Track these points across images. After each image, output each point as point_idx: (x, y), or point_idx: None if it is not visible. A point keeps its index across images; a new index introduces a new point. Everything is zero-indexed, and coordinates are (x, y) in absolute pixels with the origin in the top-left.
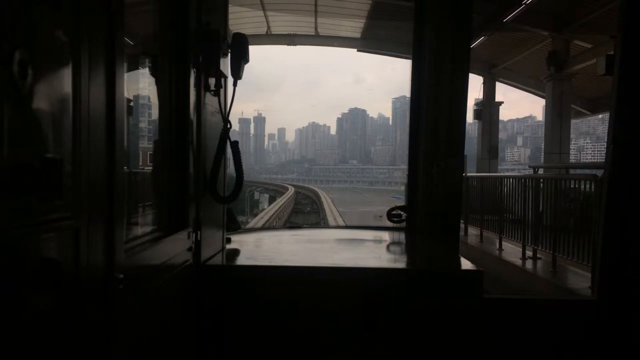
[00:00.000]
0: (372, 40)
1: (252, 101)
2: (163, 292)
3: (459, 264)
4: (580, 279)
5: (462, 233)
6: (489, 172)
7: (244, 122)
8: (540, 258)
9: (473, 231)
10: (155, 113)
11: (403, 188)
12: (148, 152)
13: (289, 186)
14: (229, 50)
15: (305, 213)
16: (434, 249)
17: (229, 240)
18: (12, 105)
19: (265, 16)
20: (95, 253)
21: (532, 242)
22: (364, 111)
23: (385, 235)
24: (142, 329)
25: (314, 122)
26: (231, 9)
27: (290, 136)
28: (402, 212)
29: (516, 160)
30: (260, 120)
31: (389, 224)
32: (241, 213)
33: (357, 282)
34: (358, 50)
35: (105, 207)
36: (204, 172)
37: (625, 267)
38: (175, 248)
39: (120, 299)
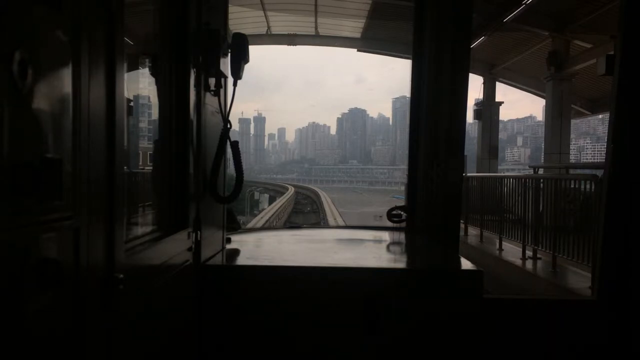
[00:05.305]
0: (372, 40)
1: (252, 101)
2: (163, 292)
3: (459, 264)
4: (580, 279)
5: (462, 233)
6: (489, 172)
7: (244, 122)
8: (540, 258)
9: (473, 231)
10: (155, 113)
11: (403, 188)
12: (148, 152)
13: (289, 186)
14: (229, 50)
15: (305, 213)
16: (434, 249)
17: (229, 240)
18: (12, 105)
19: (265, 16)
20: (95, 253)
21: (532, 242)
22: (364, 111)
23: (385, 235)
24: (142, 329)
25: (314, 122)
26: (231, 9)
27: (290, 136)
28: (402, 212)
29: (516, 160)
30: (260, 120)
31: (389, 224)
32: (241, 213)
33: (357, 282)
34: (358, 50)
35: (105, 207)
36: (204, 172)
37: (625, 267)
38: (175, 248)
39: (120, 299)
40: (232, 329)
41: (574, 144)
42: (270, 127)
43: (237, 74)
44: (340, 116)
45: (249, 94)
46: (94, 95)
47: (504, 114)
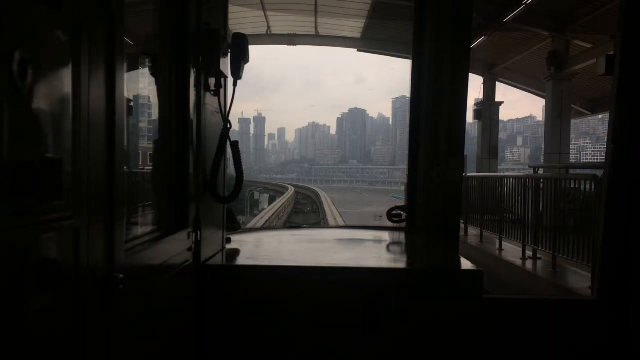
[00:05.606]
0: (372, 40)
1: (252, 101)
2: (163, 292)
3: (459, 264)
4: (580, 279)
5: (462, 233)
6: (489, 172)
7: (244, 122)
8: (540, 258)
9: (473, 231)
10: (155, 113)
11: (403, 188)
12: (148, 152)
13: (289, 186)
14: (229, 50)
15: (305, 213)
16: (434, 249)
17: (229, 240)
18: (12, 105)
19: (265, 16)
20: (95, 253)
21: (532, 242)
22: (364, 111)
23: (385, 235)
24: (142, 329)
25: (314, 122)
26: (231, 9)
27: (290, 136)
28: (402, 212)
29: (516, 160)
30: (260, 120)
31: (389, 224)
32: (241, 213)
33: (357, 282)
34: (358, 50)
35: (105, 207)
36: (204, 172)
37: (625, 267)
38: (175, 248)
39: (120, 299)
40: (232, 329)
41: (574, 144)
42: (270, 127)
43: (237, 74)
44: (340, 116)
45: (249, 94)
46: (94, 95)
47: (504, 114)
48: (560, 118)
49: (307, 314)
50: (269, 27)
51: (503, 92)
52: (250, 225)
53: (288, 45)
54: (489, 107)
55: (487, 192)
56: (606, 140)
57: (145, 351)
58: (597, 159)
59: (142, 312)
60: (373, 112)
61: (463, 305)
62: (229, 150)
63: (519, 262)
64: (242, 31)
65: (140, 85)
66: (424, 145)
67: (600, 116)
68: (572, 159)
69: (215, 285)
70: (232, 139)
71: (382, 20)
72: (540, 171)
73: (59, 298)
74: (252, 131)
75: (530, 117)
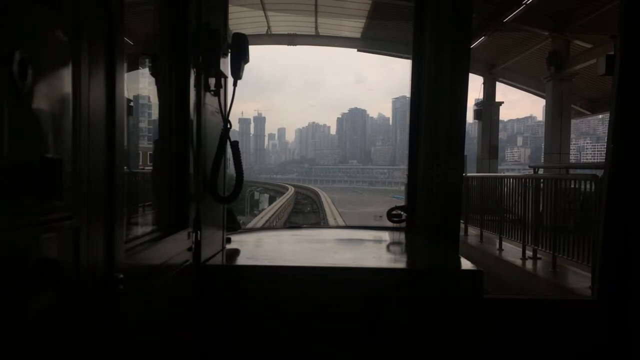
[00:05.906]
0: (372, 40)
1: (252, 101)
2: (163, 292)
3: (459, 264)
4: (580, 279)
5: (462, 233)
6: (489, 172)
7: (244, 122)
8: (540, 258)
9: (473, 231)
10: (155, 113)
11: (403, 188)
12: (148, 152)
13: (289, 186)
14: (229, 50)
15: (305, 213)
16: (434, 249)
17: (229, 240)
18: (12, 105)
19: (266, 16)
20: (95, 253)
21: (532, 242)
22: (364, 111)
23: (385, 235)
24: (142, 329)
25: (314, 122)
26: (231, 9)
27: (290, 136)
28: (402, 212)
29: (516, 160)
30: (260, 120)
31: (389, 224)
32: (241, 213)
33: (357, 282)
34: (358, 50)
35: (105, 207)
36: (204, 172)
37: (625, 267)
38: (175, 248)
39: (120, 299)
40: (232, 329)
41: (574, 144)
42: (270, 127)
43: (237, 74)
44: (340, 116)
45: (249, 94)
46: (94, 95)
47: (504, 114)
48: (560, 118)
49: (307, 314)
50: (269, 27)
51: (503, 92)
52: (250, 225)
53: (288, 45)
54: (489, 107)
55: (487, 192)
56: (606, 140)
57: (145, 351)
58: (597, 159)
59: (142, 312)
60: (373, 112)
61: (463, 305)
62: (229, 150)
63: (519, 262)
64: (242, 31)
65: (140, 85)
66: (424, 145)
67: (600, 116)
68: (572, 159)
69: (215, 285)
70: (232, 139)
71: (382, 20)
72: (540, 171)
73: (59, 298)
74: (252, 131)
75: (530, 117)
